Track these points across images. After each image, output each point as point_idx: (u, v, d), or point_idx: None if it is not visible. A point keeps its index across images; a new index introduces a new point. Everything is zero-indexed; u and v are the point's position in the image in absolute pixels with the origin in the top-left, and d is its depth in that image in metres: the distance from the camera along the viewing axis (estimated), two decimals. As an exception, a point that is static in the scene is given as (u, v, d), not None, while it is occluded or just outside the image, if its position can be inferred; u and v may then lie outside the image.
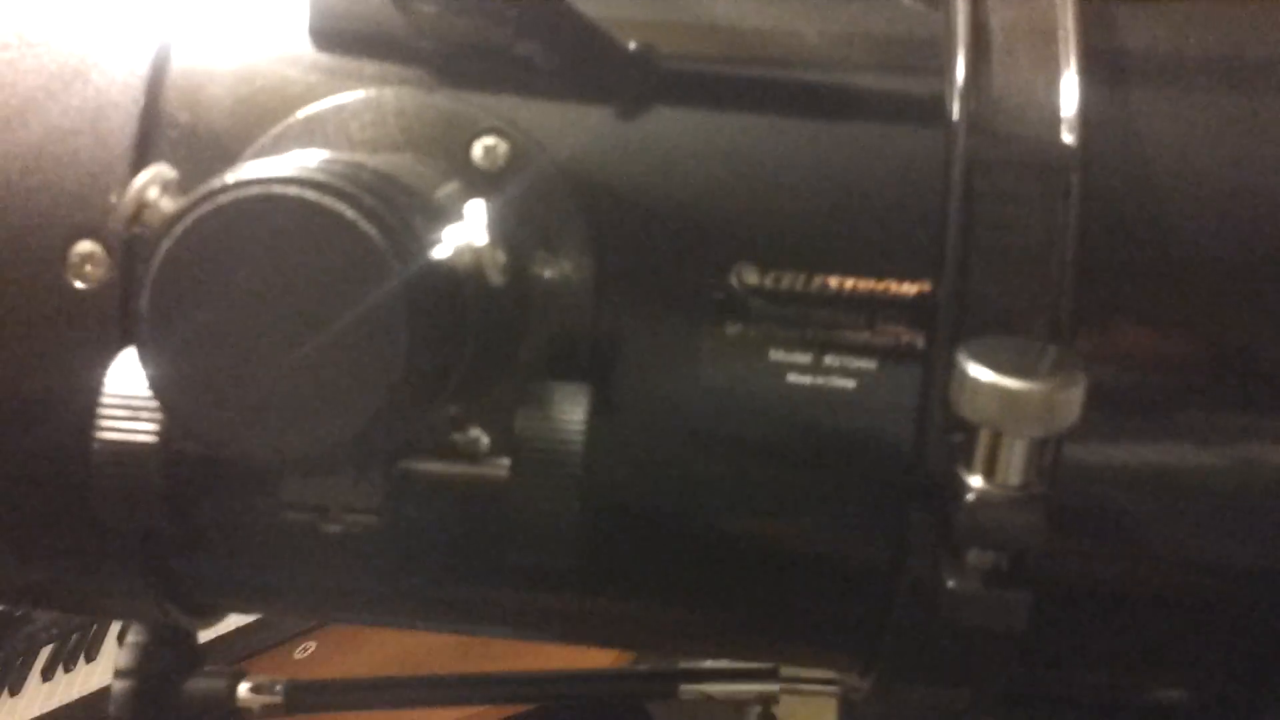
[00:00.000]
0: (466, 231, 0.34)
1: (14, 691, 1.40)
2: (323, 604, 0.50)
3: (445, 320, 0.34)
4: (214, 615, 0.51)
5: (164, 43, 0.44)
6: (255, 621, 1.30)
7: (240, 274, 0.33)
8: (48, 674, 1.41)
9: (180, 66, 0.44)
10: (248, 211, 0.32)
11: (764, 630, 0.48)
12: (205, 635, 1.27)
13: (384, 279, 0.32)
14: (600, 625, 0.49)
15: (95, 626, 1.45)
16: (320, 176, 0.33)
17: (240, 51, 0.44)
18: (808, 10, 0.45)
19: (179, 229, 0.32)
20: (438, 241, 0.34)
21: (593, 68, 0.43)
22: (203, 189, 0.33)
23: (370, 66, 0.43)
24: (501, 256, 0.35)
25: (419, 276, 0.32)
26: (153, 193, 0.34)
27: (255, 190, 0.32)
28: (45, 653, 1.45)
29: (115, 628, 1.43)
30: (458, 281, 0.34)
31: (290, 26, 0.44)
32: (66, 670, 1.41)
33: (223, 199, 0.32)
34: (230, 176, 0.33)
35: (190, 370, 0.33)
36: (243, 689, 0.58)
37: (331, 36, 0.43)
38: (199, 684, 0.58)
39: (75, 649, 1.43)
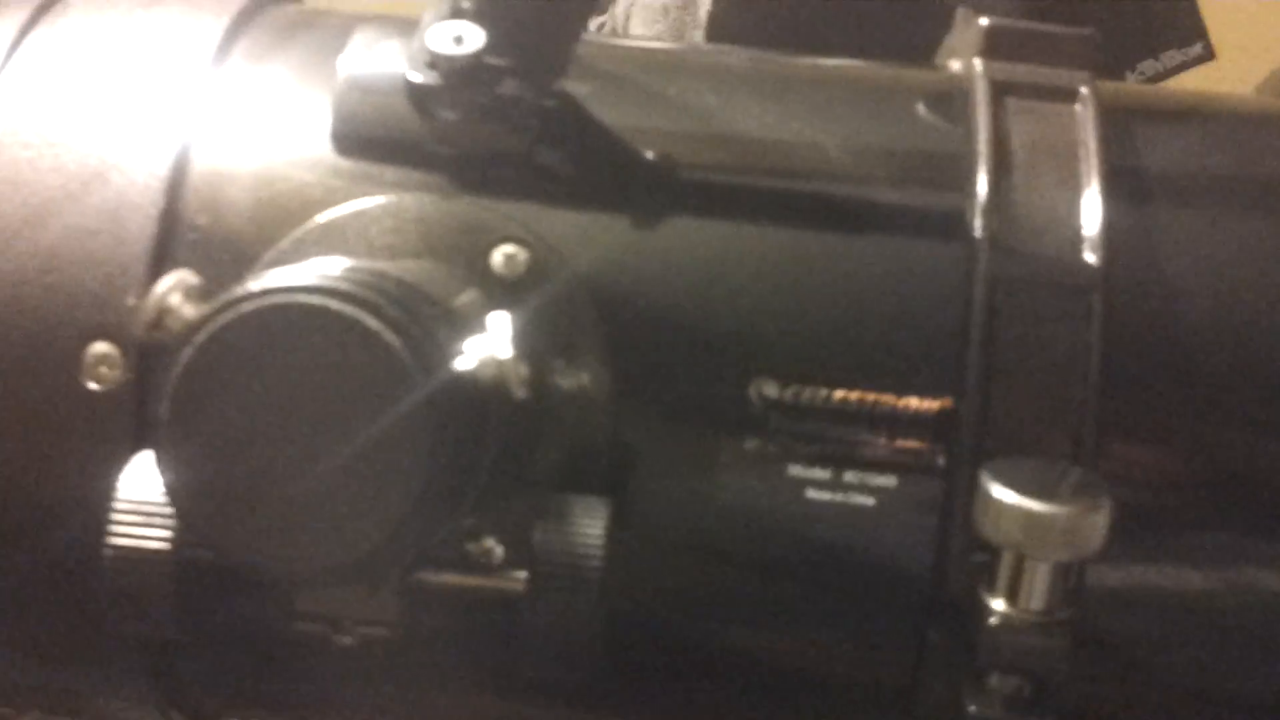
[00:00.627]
0: (490, 344, 0.34)
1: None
2: (331, 716, 0.49)
3: (467, 433, 0.33)
4: None
5: (184, 144, 0.44)
6: None
7: (261, 383, 0.32)
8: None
9: (200, 169, 0.44)
10: (270, 320, 0.32)
11: None
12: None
13: (408, 391, 0.32)
14: None
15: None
16: (344, 286, 0.32)
17: (261, 155, 0.44)
18: (829, 124, 0.46)
19: (201, 337, 0.32)
20: (461, 353, 0.34)
21: (612, 178, 0.44)
22: (225, 297, 0.32)
23: (391, 172, 0.43)
24: (524, 370, 0.34)
25: (443, 389, 0.32)
26: (174, 299, 0.34)
27: (278, 299, 0.32)
28: None
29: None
30: (480, 394, 0.34)
31: (311, 131, 0.44)
32: None
33: (245, 307, 0.32)
34: (253, 285, 0.32)
35: (208, 478, 0.32)
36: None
37: (353, 141, 0.43)
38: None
39: None
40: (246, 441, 0.32)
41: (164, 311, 0.34)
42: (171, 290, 0.34)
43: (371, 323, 0.32)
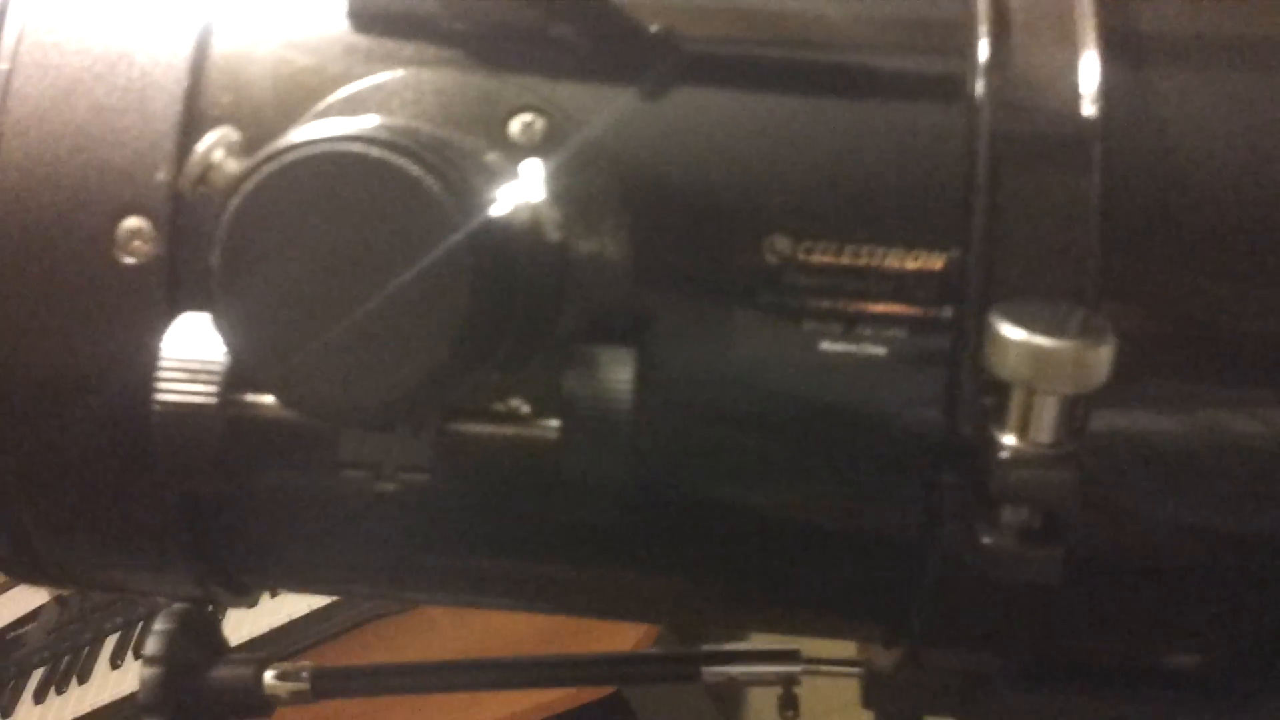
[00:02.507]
0: (523, 189, 0.36)
1: (6, 714, 1.40)
2: (369, 575, 0.51)
3: (504, 274, 0.35)
4: (252, 593, 0.51)
5: (205, 24, 0.45)
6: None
7: (306, 230, 0.34)
8: (40, 696, 1.41)
9: (221, 48, 0.45)
10: (313, 169, 0.33)
11: (795, 598, 0.49)
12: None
13: (447, 233, 0.33)
14: (637, 596, 0.50)
15: (86, 649, 1.45)
16: (383, 134, 0.34)
17: (280, 33, 0.45)
18: None
19: (248, 186, 0.33)
20: (495, 199, 0.35)
21: (624, 49, 0.45)
22: (269, 149, 0.34)
23: (408, 48, 0.44)
24: (556, 213, 0.36)
25: (481, 230, 0.34)
26: (218, 154, 0.35)
27: (321, 148, 0.33)
28: (37, 675, 1.45)
29: (107, 650, 1.43)
30: (516, 235, 0.35)
31: (328, 9, 0.45)
32: (59, 692, 1.41)
33: (289, 157, 0.33)
34: (295, 136, 0.34)
35: (261, 324, 0.34)
36: (268, 676, 0.58)
37: (369, 18, 0.44)
38: (224, 672, 0.58)
39: (67, 671, 1.43)
40: (294, 287, 0.34)
41: (209, 167, 0.35)
42: (215, 145, 0.36)
43: (412, 168, 0.33)
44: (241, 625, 1.32)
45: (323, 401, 0.34)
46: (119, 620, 1.46)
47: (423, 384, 0.34)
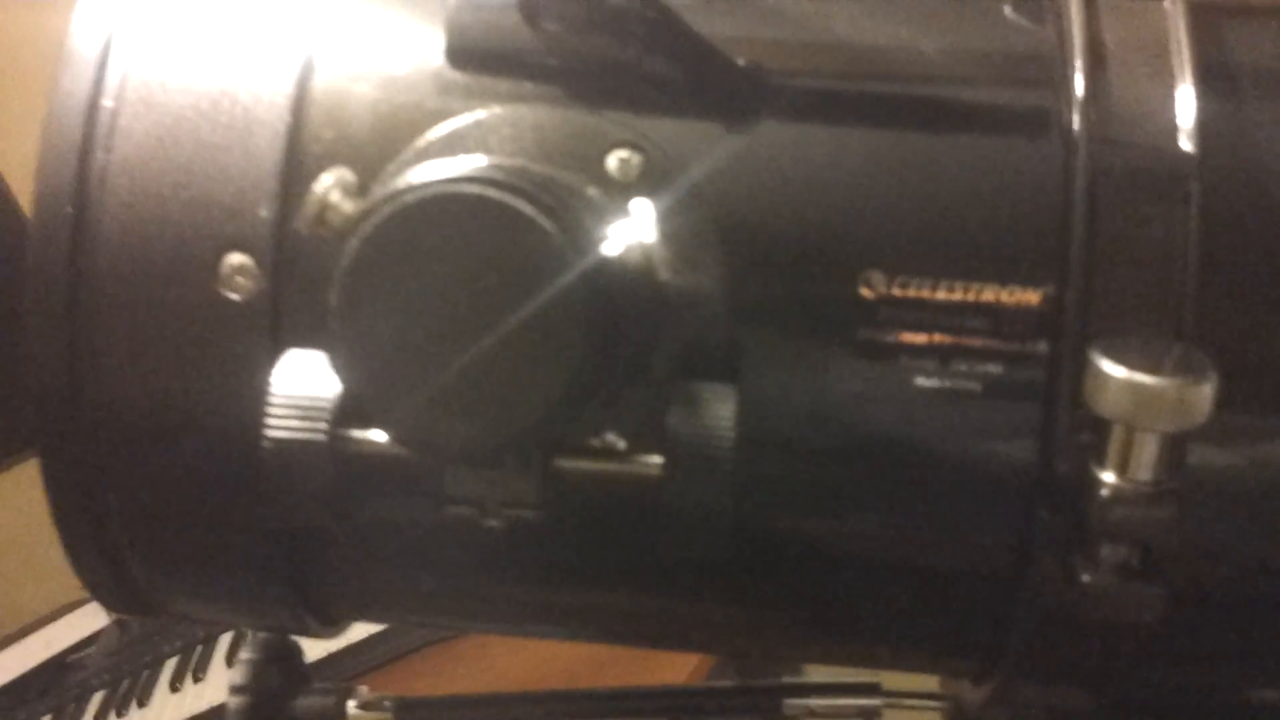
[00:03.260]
0: (633, 229, 0.36)
1: (67, 738, 1.41)
2: (465, 608, 0.51)
3: (616, 312, 0.35)
4: (342, 625, 0.52)
5: (306, 62, 0.46)
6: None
7: (423, 270, 0.34)
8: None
9: (322, 85, 0.45)
10: (431, 210, 0.34)
11: (888, 633, 0.49)
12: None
13: (562, 272, 0.34)
14: (728, 629, 0.50)
15: (146, 673, 1.46)
16: (497, 175, 0.34)
17: (379, 70, 0.46)
18: (924, 27, 0.47)
19: (367, 228, 0.34)
20: (606, 238, 0.36)
21: (717, 84, 0.45)
22: (386, 190, 0.34)
23: (505, 84, 0.45)
24: (666, 253, 0.36)
25: (594, 269, 0.34)
26: (335, 195, 0.36)
27: (437, 190, 0.34)
28: (97, 698, 1.46)
29: (167, 673, 1.44)
30: (627, 274, 0.36)
31: (427, 46, 0.46)
32: (119, 715, 1.42)
33: (407, 199, 0.34)
34: (413, 177, 0.34)
35: (378, 361, 0.34)
36: (351, 706, 0.59)
37: (467, 55, 0.45)
38: (309, 701, 0.59)
39: (127, 694, 1.44)
40: (410, 326, 0.34)
41: (325, 207, 0.36)
42: (332, 188, 0.36)
43: (526, 209, 0.34)
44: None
45: (437, 440, 0.35)
46: (178, 644, 1.47)
47: (536, 423, 0.34)
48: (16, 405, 0.46)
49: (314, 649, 1.35)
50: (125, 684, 1.46)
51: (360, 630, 1.36)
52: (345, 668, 1.32)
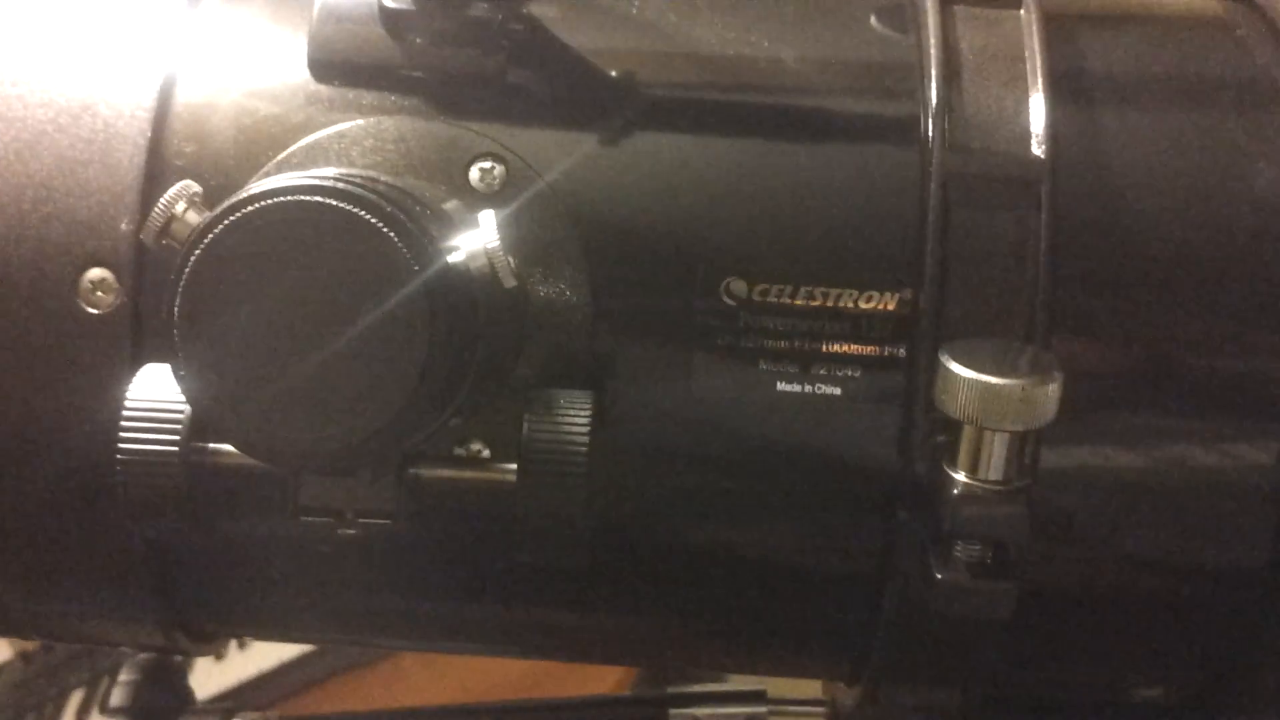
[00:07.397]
0: (479, 237, 0.36)
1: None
2: (334, 621, 0.51)
3: (461, 320, 0.35)
4: (216, 642, 0.51)
5: (167, 77, 0.46)
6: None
7: (266, 280, 0.34)
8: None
9: (183, 100, 0.45)
10: (272, 220, 0.34)
11: (758, 638, 0.50)
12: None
13: (405, 281, 0.34)
14: (601, 638, 0.51)
15: (50, 705, 1.43)
16: (341, 185, 0.34)
17: (241, 84, 0.46)
18: (786, 37, 0.48)
19: (208, 238, 0.34)
20: (453, 247, 0.36)
21: (582, 95, 0.46)
22: (229, 201, 0.34)
23: (368, 96, 0.45)
24: (512, 260, 0.37)
25: (437, 278, 0.34)
26: (180, 206, 0.36)
27: (279, 199, 0.34)
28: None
29: (73, 705, 1.42)
30: (472, 282, 0.36)
31: (289, 59, 0.46)
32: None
33: (248, 209, 0.34)
34: (255, 187, 0.34)
35: (220, 373, 0.34)
36: (235, 726, 0.58)
37: (329, 68, 0.45)
38: (190, 723, 0.58)
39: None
40: (253, 336, 0.34)
41: (171, 219, 0.36)
42: (177, 198, 0.36)
43: (368, 218, 0.34)
44: (209, 679, 1.31)
45: (281, 448, 0.35)
46: (85, 675, 1.44)
47: (381, 430, 0.34)
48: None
49: (225, 677, 1.34)
50: (30, 717, 1.43)
51: (275, 657, 1.34)
52: (262, 695, 1.31)
